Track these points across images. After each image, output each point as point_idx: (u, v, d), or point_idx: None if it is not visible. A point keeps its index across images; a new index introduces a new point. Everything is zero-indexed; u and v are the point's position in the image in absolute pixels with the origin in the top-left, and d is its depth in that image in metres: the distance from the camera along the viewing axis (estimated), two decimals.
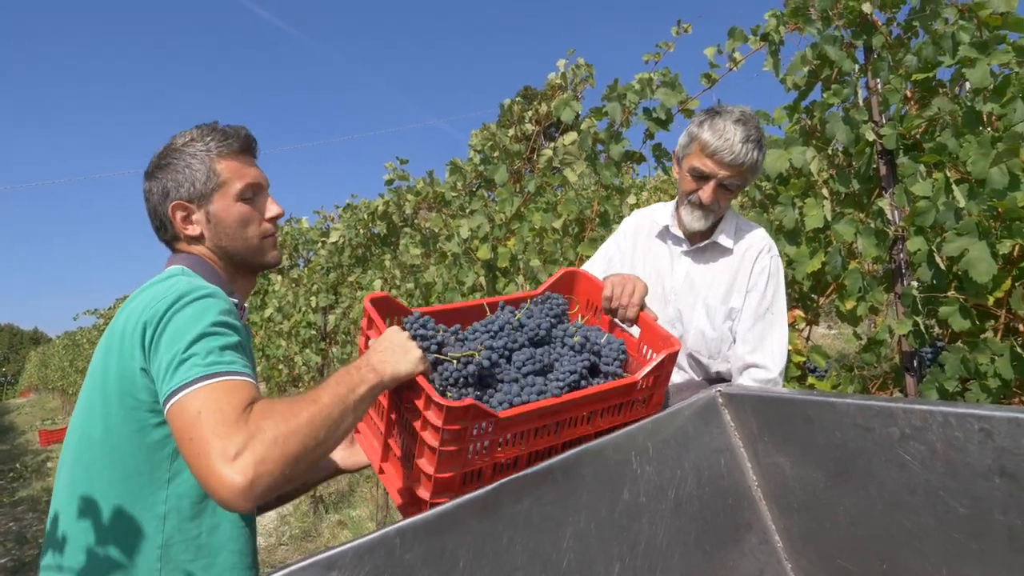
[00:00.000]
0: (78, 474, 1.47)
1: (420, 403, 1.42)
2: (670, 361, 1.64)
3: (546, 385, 1.58)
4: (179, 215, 1.61)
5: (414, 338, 1.53)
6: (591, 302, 1.90)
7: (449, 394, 1.52)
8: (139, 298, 1.46)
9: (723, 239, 2.28)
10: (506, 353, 1.63)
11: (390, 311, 1.68)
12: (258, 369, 8.55)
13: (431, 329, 1.58)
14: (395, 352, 1.43)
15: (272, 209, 1.68)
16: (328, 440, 1.28)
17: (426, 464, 1.44)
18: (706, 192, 2.17)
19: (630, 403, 1.64)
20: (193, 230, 1.62)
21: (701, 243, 2.31)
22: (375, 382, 1.39)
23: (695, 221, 2.23)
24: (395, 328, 1.51)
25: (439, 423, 1.36)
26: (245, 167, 1.64)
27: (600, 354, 1.72)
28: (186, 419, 1.23)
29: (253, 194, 1.64)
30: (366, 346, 1.61)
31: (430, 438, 1.41)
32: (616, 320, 1.85)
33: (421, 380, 1.41)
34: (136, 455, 1.43)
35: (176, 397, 1.26)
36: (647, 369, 1.61)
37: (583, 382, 1.64)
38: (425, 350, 1.53)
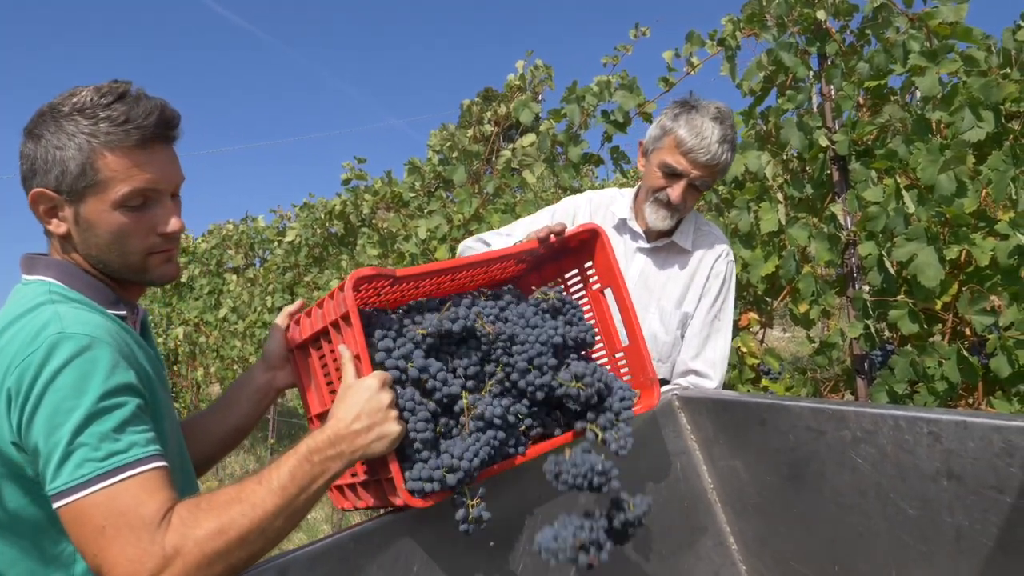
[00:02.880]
0: None
1: (382, 475, 1.27)
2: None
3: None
4: (42, 206, 1.25)
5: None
6: (594, 274, 1.66)
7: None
8: (1, 340, 1.16)
9: (682, 240, 2.19)
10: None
11: (368, 290, 1.37)
12: (212, 370, 8.40)
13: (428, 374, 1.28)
14: (370, 431, 1.17)
15: (168, 223, 1.29)
16: (267, 549, 1.10)
17: (366, 496, 1.37)
18: (676, 191, 2.04)
19: None
20: (58, 228, 1.26)
21: (659, 241, 2.20)
22: (339, 469, 1.17)
23: (660, 220, 2.11)
24: (375, 381, 1.21)
25: (396, 503, 1.25)
26: (138, 166, 1.23)
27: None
28: (86, 531, 1.04)
29: (143, 201, 1.25)
30: (303, 336, 1.42)
31: (377, 490, 1.31)
32: (603, 293, 1.66)
33: (393, 465, 1.23)
34: (30, 530, 1.18)
35: (68, 500, 1.05)
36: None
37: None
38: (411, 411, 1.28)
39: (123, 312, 1.31)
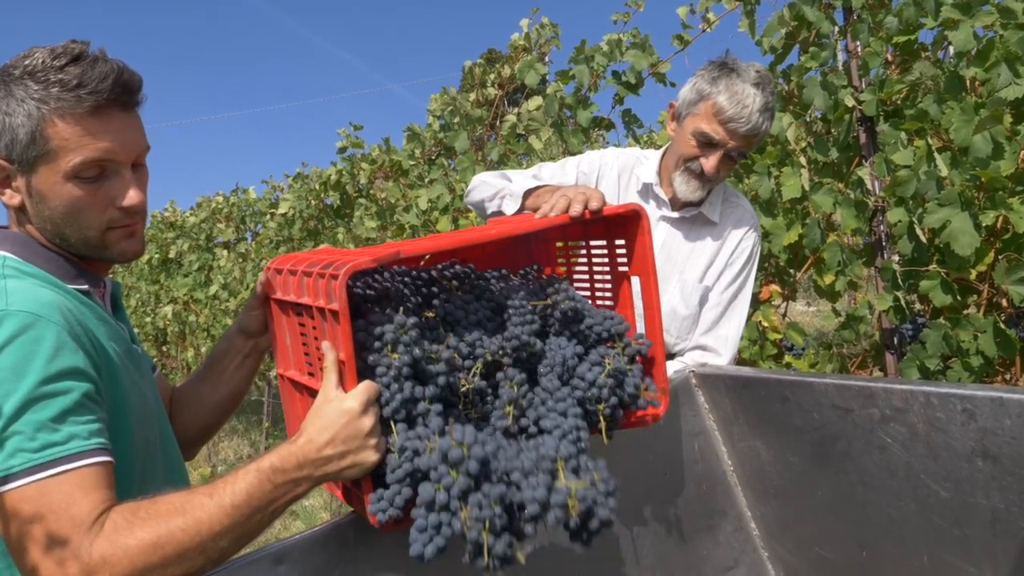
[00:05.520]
0: None
1: (352, 489, 1.24)
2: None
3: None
4: None
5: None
6: (625, 255, 1.55)
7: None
8: None
9: (710, 211, 2.16)
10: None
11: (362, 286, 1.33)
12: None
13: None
14: (343, 458, 1.11)
15: (126, 196, 1.25)
16: (207, 568, 1.07)
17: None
18: (710, 162, 2.00)
19: None
20: (12, 199, 1.24)
21: (685, 211, 2.17)
22: (303, 493, 1.12)
23: (691, 192, 2.07)
24: (356, 404, 1.12)
25: (361, 513, 1.22)
26: (91, 135, 1.19)
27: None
28: (13, 526, 1.02)
29: (99, 172, 1.22)
30: (284, 296, 1.32)
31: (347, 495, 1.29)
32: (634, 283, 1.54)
33: (366, 496, 1.17)
34: None
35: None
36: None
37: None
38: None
39: (84, 286, 1.29)
